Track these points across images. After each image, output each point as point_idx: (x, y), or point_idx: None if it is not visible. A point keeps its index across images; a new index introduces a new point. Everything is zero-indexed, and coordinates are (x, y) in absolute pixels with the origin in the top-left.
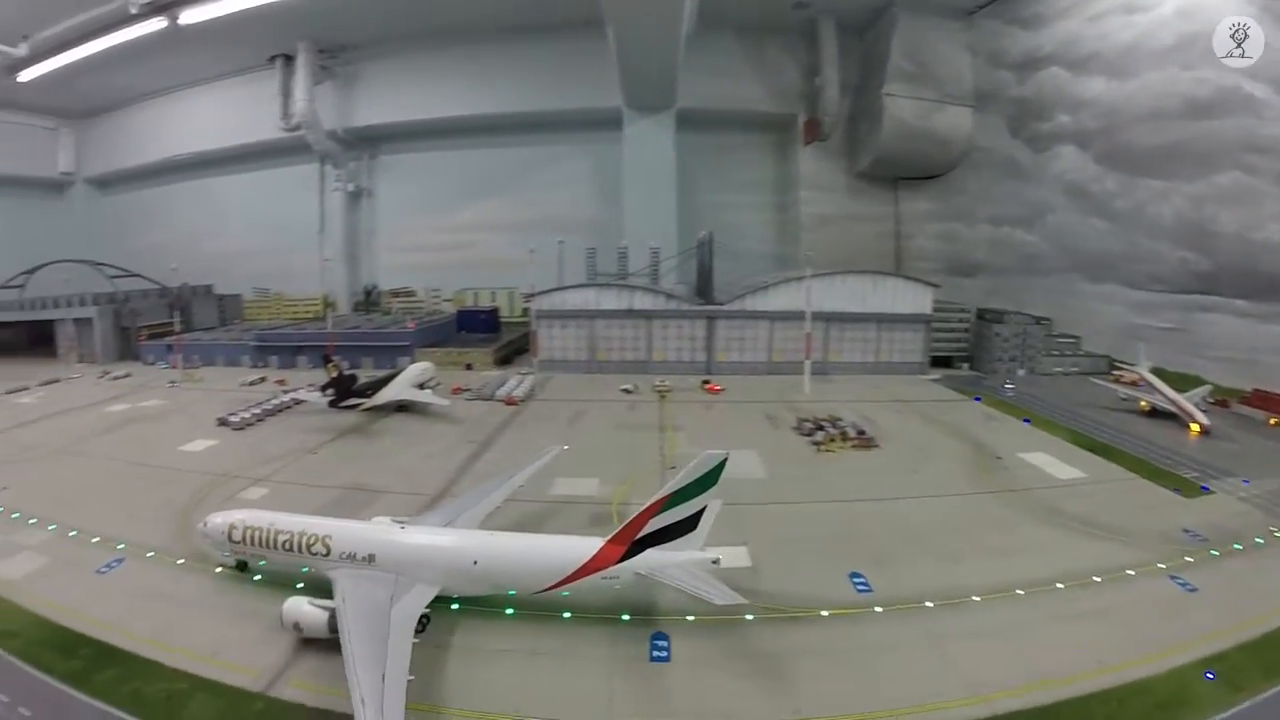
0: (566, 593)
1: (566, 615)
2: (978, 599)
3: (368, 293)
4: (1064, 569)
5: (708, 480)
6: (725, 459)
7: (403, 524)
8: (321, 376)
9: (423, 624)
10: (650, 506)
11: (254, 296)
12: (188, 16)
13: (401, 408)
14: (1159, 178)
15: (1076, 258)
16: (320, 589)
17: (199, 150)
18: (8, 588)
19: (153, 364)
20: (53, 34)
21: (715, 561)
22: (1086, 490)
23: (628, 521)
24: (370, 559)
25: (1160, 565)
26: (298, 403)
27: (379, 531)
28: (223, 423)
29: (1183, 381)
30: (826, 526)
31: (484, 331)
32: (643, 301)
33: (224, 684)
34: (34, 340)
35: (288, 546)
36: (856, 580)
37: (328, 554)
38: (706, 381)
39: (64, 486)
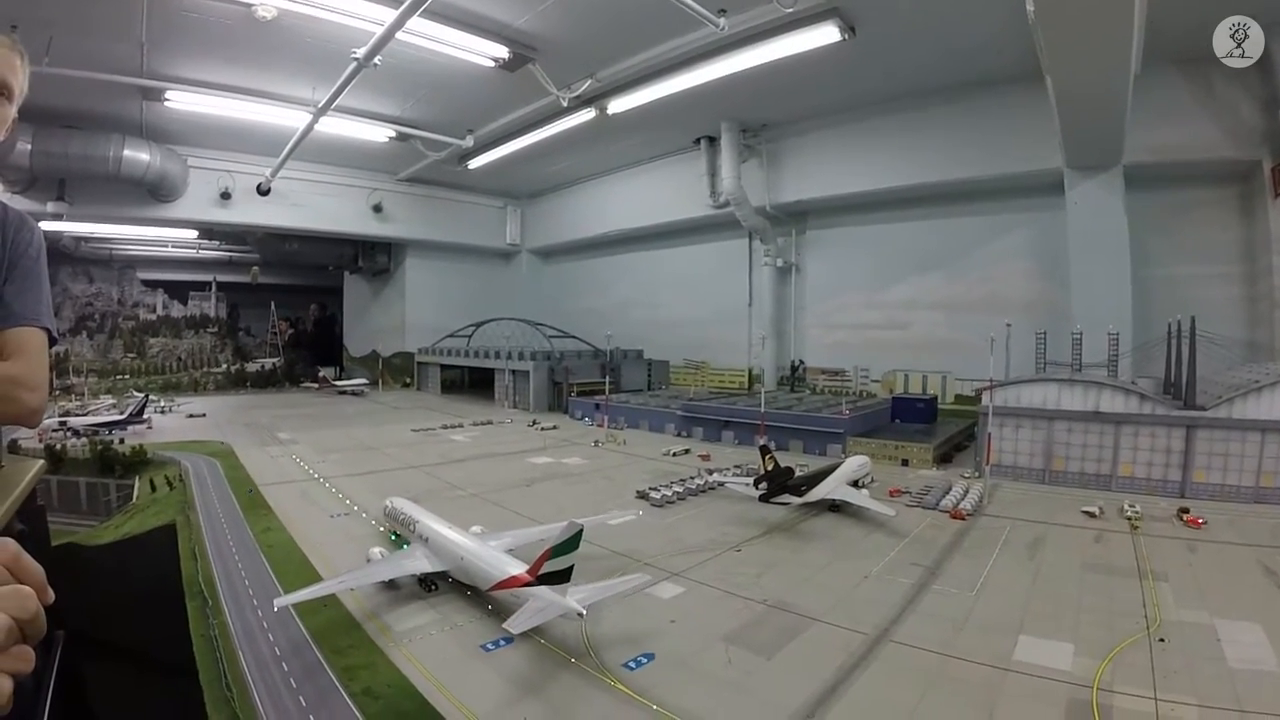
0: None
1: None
2: None
3: (793, 369)
4: None
5: (571, 544)
6: (581, 530)
7: (479, 531)
8: (747, 456)
9: (431, 588)
10: (545, 552)
11: (683, 365)
12: (615, 106)
13: (834, 507)
14: None
15: None
16: None
17: (632, 228)
18: (386, 637)
19: (579, 419)
20: (494, 127)
21: (581, 615)
22: None
23: (538, 558)
24: (427, 540)
25: None
26: (721, 485)
27: (438, 525)
28: (642, 495)
29: None
30: None
31: (920, 422)
32: (1110, 402)
33: None
34: (473, 383)
35: (404, 524)
36: None
37: (414, 531)
38: (1185, 511)
39: None
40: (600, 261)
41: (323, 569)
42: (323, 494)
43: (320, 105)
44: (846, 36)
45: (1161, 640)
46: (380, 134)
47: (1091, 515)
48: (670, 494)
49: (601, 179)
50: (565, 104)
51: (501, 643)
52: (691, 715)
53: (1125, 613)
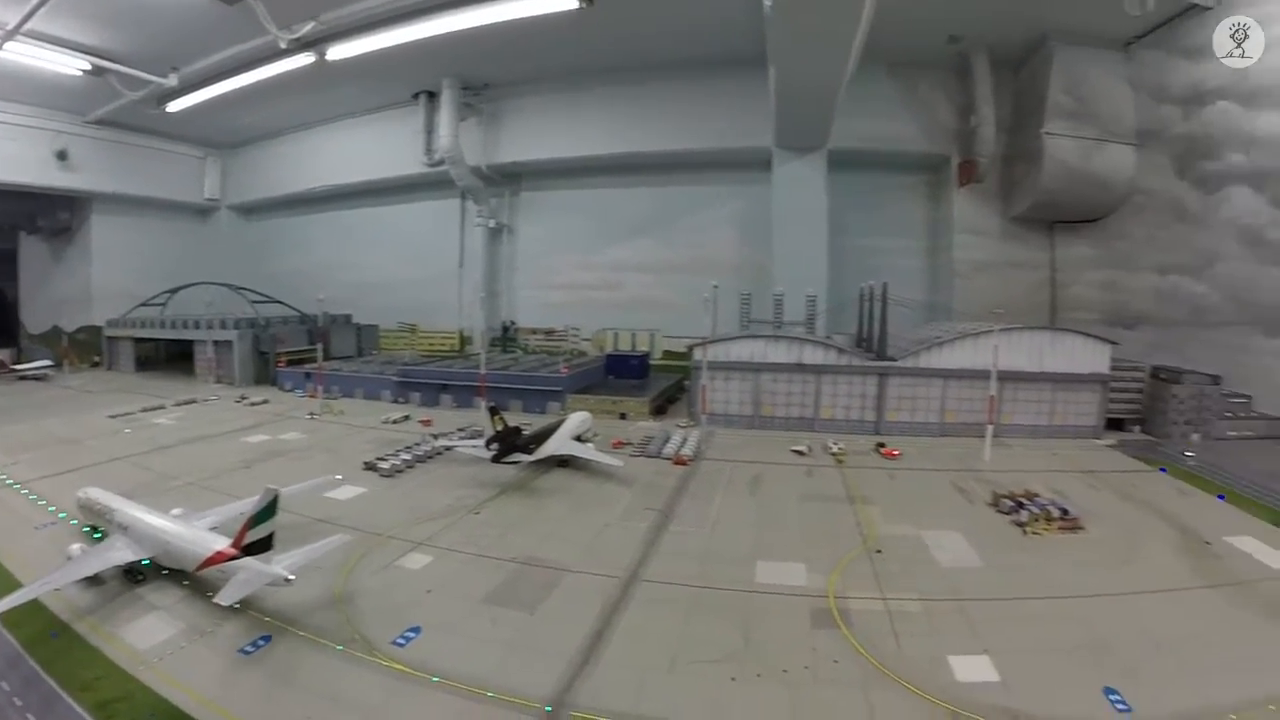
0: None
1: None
2: (1234, 718)
3: (505, 329)
4: None
5: (268, 512)
6: (277, 495)
7: (180, 513)
8: (468, 419)
9: (138, 578)
10: (246, 523)
11: (398, 329)
12: (335, 53)
13: (562, 462)
14: None
15: (1251, 310)
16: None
17: (342, 183)
18: (134, 660)
19: (290, 391)
20: (202, 66)
21: (288, 580)
22: None
23: (239, 530)
24: (127, 529)
25: None
26: (449, 449)
27: (137, 512)
28: (370, 467)
29: None
30: (1062, 628)
31: (634, 377)
32: (812, 355)
33: None
34: (171, 356)
35: (101, 515)
36: (1113, 697)
37: (112, 521)
38: (882, 444)
39: None
40: (308, 219)
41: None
42: (21, 503)
43: (10, 28)
44: (585, 4)
45: (879, 551)
46: (74, 65)
47: (801, 454)
48: (399, 462)
49: (313, 130)
50: (283, 46)
51: (260, 643)
52: (474, 679)
53: (843, 533)
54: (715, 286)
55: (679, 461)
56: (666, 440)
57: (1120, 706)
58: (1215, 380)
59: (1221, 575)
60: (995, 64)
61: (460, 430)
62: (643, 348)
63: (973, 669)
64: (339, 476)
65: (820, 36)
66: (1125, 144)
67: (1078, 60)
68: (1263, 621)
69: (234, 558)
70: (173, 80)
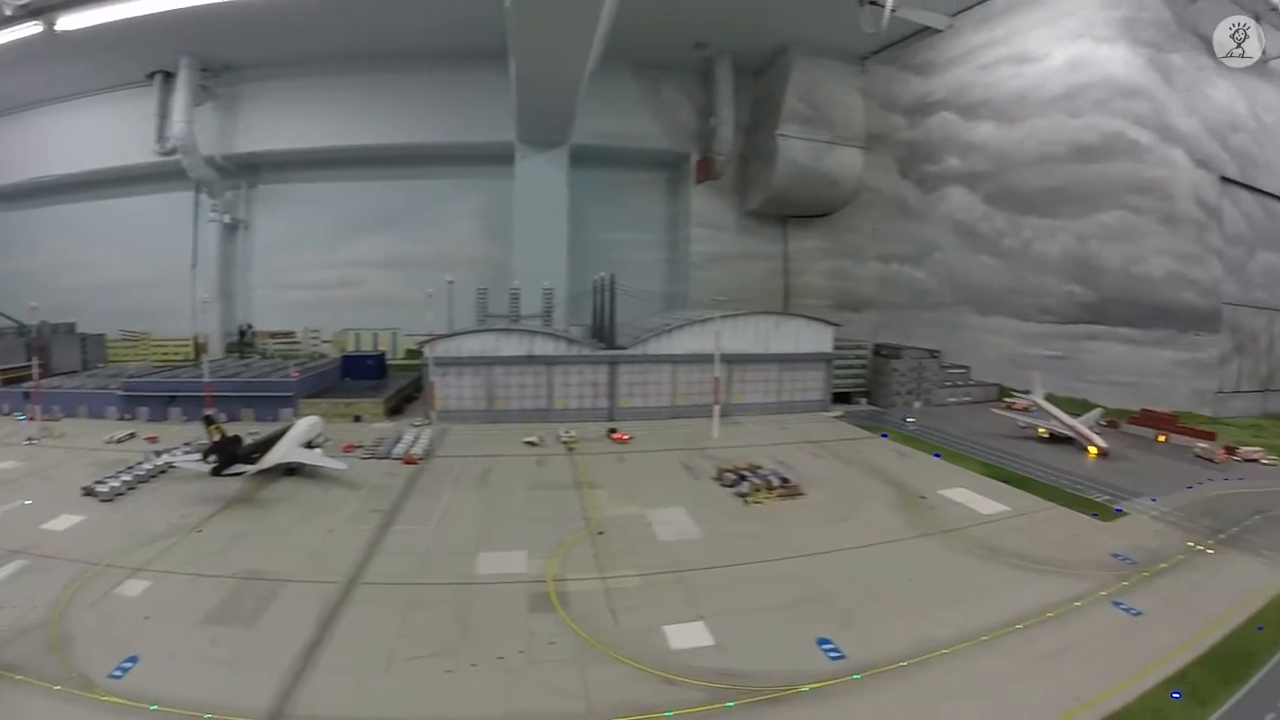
0: None
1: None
2: (948, 651)
3: (241, 334)
4: (1019, 608)
5: None
6: None
7: None
8: (196, 433)
9: None
10: None
11: (121, 337)
12: (66, 22)
13: (290, 470)
14: (1046, 217)
15: (965, 292)
16: None
17: (66, 173)
18: None
19: (7, 414)
20: None
21: None
22: (1014, 524)
23: None
24: None
25: (1102, 593)
26: (172, 467)
27: None
28: (89, 493)
29: (1071, 405)
30: (779, 588)
31: (371, 378)
32: (543, 347)
33: None
34: None
35: None
36: (826, 647)
37: None
38: (613, 430)
39: None
40: (30, 214)
41: None
42: None
43: None
44: None
45: (600, 533)
46: None
47: (533, 444)
48: (119, 485)
49: (39, 110)
50: (8, 12)
51: None
52: (193, 703)
53: (568, 519)
54: (450, 281)
55: (409, 461)
56: (398, 440)
57: (833, 655)
58: (934, 354)
59: (934, 524)
60: (737, 69)
61: (186, 444)
62: (384, 347)
63: (687, 636)
64: (28, 501)
65: (560, 31)
66: (854, 147)
67: (815, 70)
68: (974, 561)
69: None
70: None
